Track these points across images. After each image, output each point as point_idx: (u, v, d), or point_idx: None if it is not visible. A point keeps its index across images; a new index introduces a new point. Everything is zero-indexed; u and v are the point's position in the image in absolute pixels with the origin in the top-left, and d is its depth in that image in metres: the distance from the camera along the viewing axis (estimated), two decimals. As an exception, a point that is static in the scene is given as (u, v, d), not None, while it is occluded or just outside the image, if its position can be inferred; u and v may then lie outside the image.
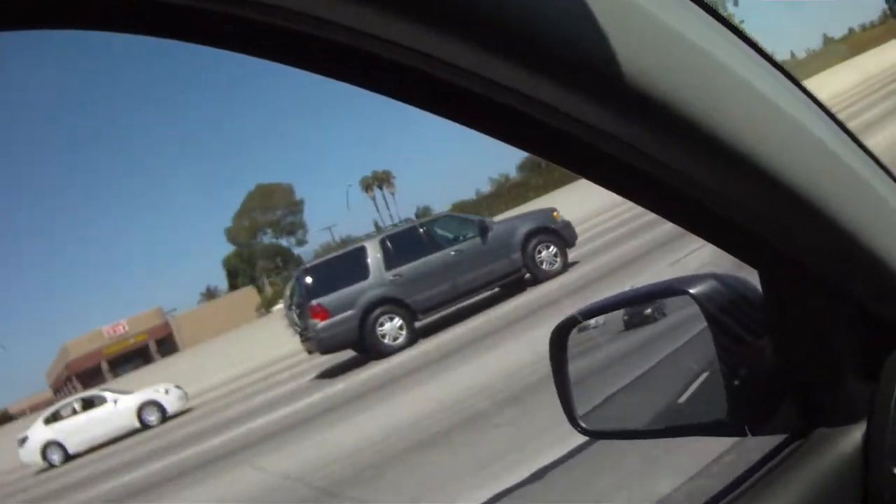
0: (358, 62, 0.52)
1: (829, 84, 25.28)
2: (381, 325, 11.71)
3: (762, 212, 0.67)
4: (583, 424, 0.98)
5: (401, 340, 11.73)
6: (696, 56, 0.57)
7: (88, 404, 18.84)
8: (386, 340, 11.68)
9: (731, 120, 0.59)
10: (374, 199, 62.51)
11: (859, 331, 0.80)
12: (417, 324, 12.07)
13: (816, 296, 0.79)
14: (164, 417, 17.63)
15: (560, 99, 0.55)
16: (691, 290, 0.84)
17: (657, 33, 0.54)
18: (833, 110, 0.73)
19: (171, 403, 17.95)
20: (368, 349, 11.81)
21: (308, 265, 12.75)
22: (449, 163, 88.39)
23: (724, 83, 0.59)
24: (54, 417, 18.71)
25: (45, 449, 17.88)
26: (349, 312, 11.58)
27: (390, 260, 12.11)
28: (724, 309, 0.83)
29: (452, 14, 0.47)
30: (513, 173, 64.66)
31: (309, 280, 12.04)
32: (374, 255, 12.08)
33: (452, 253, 12.37)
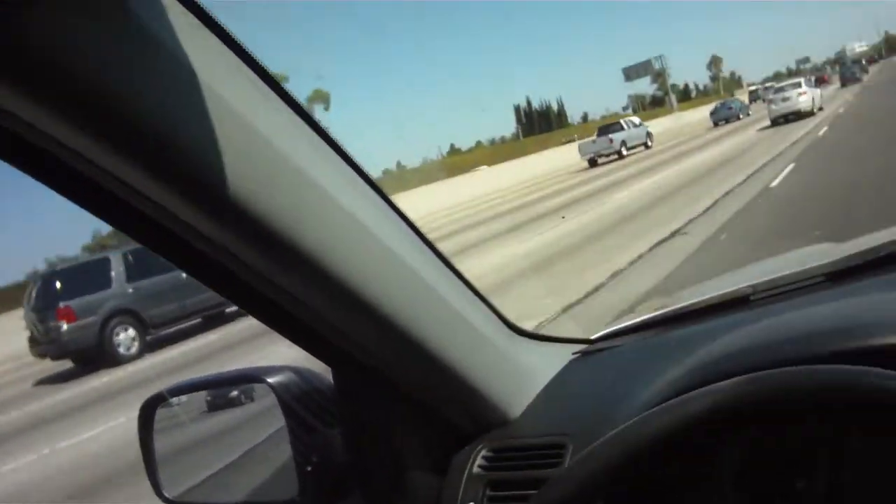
0: None
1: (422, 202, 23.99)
2: (118, 334, 11.90)
3: (332, 319, 0.72)
4: (167, 495, 1.01)
5: (132, 351, 11.95)
6: (294, 177, 0.62)
7: None
8: (120, 349, 11.97)
9: (313, 237, 0.64)
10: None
11: (427, 429, 0.87)
12: (148, 337, 12.39)
13: (384, 397, 0.85)
14: None
15: (175, 203, 0.58)
16: (269, 380, 0.91)
17: (270, 159, 0.59)
18: (419, 228, 0.77)
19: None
20: (97, 358, 11.81)
21: (54, 270, 12.59)
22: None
23: (317, 207, 0.64)
24: None
25: None
26: (91, 318, 11.70)
27: (131, 273, 12.20)
28: (299, 399, 0.89)
29: (93, 116, 0.51)
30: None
31: (55, 283, 12.00)
32: (117, 267, 12.07)
33: (183, 275, 12.30)
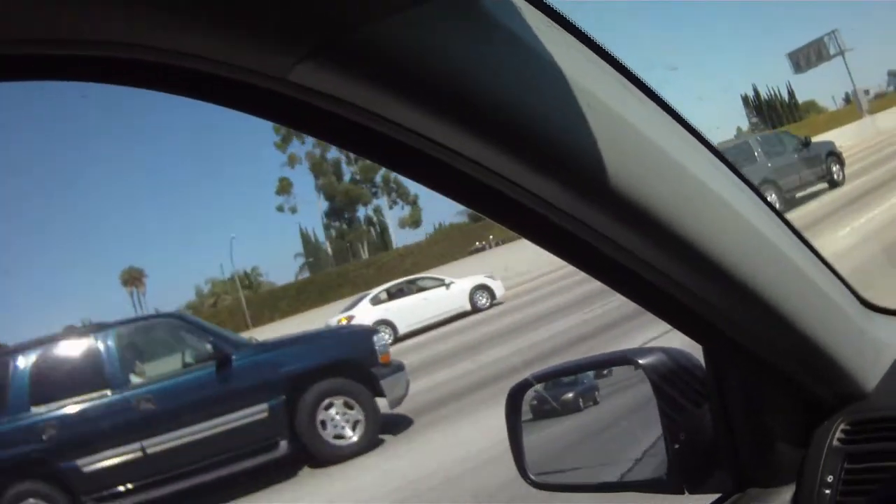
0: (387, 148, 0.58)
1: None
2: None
3: (706, 296, 0.74)
4: (533, 478, 1.06)
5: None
6: (665, 164, 0.65)
7: (418, 287, 18.09)
8: None
9: (687, 220, 0.66)
10: (131, 294, 52.11)
11: (791, 404, 0.88)
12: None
13: (752, 373, 0.87)
14: (492, 303, 17.16)
15: (551, 194, 0.62)
16: (640, 361, 0.94)
17: (640, 147, 0.63)
18: (772, 203, 0.81)
19: (498, 288, 17.54)
20: None
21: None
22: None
23: (690, 192, 0.67)
24: (386, 297, 17.73)
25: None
26: None
27: (768, 152, 13.54)
28: (668, 379, 0.93)
29: (473, 116, 0.55)
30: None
31: None
32: (756, 148, 13.71)
33: (796, 155, 14.39)
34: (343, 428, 6.57)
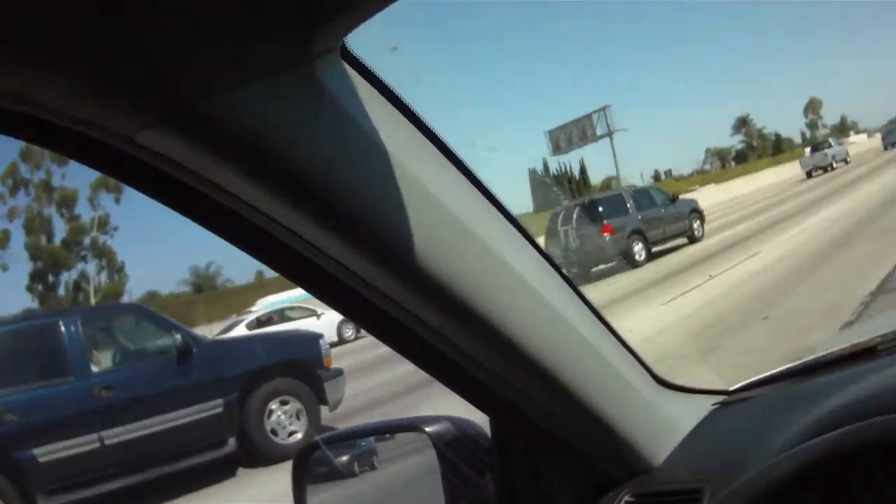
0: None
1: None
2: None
3: (494, 369, 0.76)
4: None
5: (642, 258, 14.08)
6: (469, 242, 0.67)
7: (287, 317, 17.89)
8: (636, 256, 14.41)
9: (483, 297, 0.68)
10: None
11: (576, 475, 0.89)
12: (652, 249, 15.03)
13: (538, 444, 0.89)
14: (356, 335, 16.90)
15: (353, 261, 0.64)
16: (427, 429, 0.96)
17: (447, 225, 0.65)
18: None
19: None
20: (629, 260, 14.15)
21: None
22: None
23: (490, 270, 0.70)
24: (256, 324, 17.34)
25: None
26: (619, 234, 14.54)
27: (638, 205, 15.62)
28: (453, 448, 0.95)
29: (292, 188, 0.57)
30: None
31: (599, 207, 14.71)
32: (629, 200, 15.41)
33: (663, 210, 16.27)
34: (287, 427, 6.81)
